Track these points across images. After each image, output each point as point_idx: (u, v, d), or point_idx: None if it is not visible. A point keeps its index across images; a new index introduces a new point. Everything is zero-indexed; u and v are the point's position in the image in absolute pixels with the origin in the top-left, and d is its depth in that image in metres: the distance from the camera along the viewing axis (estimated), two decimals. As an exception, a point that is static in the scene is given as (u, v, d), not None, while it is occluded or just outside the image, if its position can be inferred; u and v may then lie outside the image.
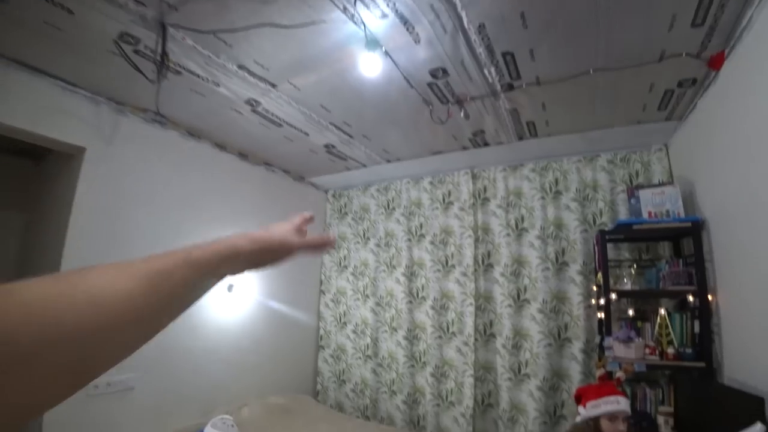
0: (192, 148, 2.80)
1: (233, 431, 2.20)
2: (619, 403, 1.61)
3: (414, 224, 3.43)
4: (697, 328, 2.28)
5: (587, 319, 2.81)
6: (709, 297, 2.20)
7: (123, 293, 0.30)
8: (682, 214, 2.35)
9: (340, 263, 3.70)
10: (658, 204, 2.42)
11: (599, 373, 1.79)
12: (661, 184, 2.58)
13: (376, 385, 3.37)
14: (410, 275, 3.36)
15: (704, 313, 2.21)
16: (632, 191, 2.58)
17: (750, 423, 1.56)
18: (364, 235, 3.64)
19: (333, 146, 3.00)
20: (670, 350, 2.28)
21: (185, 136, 2.76)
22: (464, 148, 3.03)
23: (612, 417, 1.61)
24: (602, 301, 2.40)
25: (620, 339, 2.42)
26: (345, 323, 3.59)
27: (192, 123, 2.70)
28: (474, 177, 3.29)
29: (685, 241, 2.58)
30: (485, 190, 3.25)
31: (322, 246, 0.62)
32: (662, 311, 2.36)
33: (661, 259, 2.67)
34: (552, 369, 2.83)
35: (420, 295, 3.31)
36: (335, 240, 1.24)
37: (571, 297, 2.86)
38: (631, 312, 2.50)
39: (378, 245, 3.55)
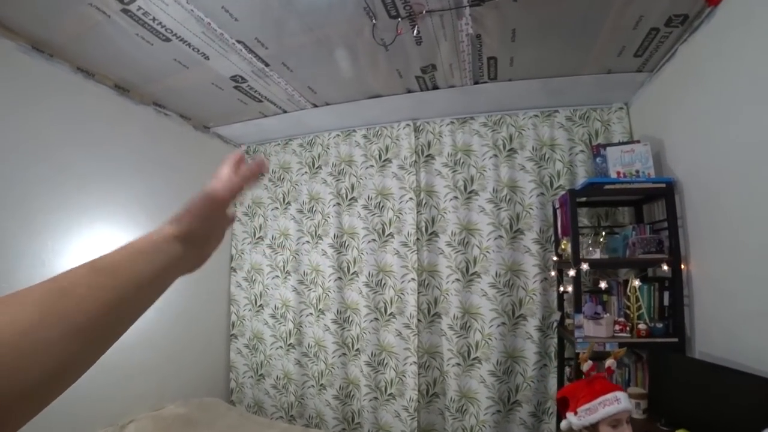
0: (41, 71, 1.80)
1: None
2: (619, 401, 1.19)
3: (344, 185, 2.72)
4: (666, 301, 1.97)
5: (543, 293, 2.39)
6: (682, 266, 1.90)
7: (19, 326, 0.25)
8: (653, 175, 2.02)
9: (255, 234, 2.91)
10: (628, 163, 2.07)
11: (587, 366, 1.31)
12: (629, 142, 2.22)
13: (302, 379, 2.73)
14: (340, 247, 2.69)
15: (676, 283, 1.90)
16: (598, 149, 2.18)
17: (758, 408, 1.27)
18: (283, 199, 2.87)
19: (243, 79, 2.14)
20: (642, 326, 1.93)
21: (28, 52, 1.75)
22: (408, 91, 2.35)
23: (614, 421, 1.17)
24: (572, 273, 1.96)
25: (587, 315, 2.02)
26: (262, 306, 2.86)
27: (34, 30, 1.70)
28: (416, 130, 2.64)
29: (646, 207, 2.26)
30: (429, 145, 2.63)
31: (254, 174, 0.47)
32: (636, 282, 1.99)
33: (621, 227, 2.32)
34: (506, 351, 2.39)
35: (352, 271, 2.66)
36: (265, 164, 0.64)
37: (527, 269, 2.41)
38: (603, 284, 2.10)
39: (300, 211, 2.80)
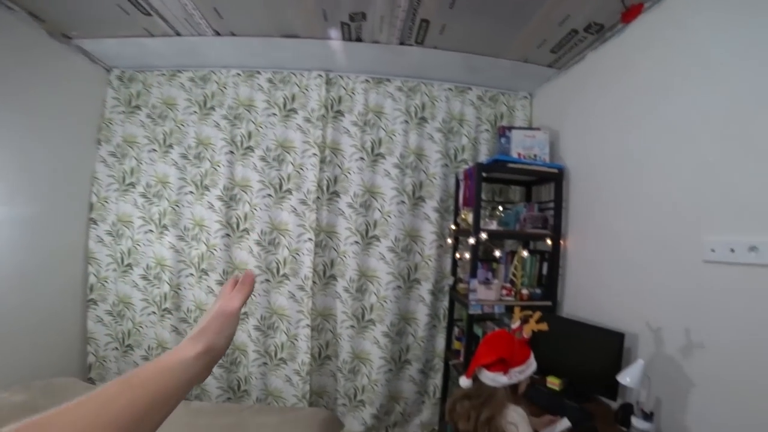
0: None
1: None
2: (534, 362, 1.38)
3: (240, 132, 2.37)
4: (545, 270, 2.21)
5: (438, 259, 2.45)
6: (561, 242, 2.15)
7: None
8: (548, 160, 2.23)
9: (124, 179, 2.39)
10: (528, 147, 2.25)
11: (516, 325, 1.41)
12: (532, 128, 2.39)
13: (177, 346, 2.40)
14: (229, 200, 2.36)
15: (555, 256, 2.14)
16: (504, 130, 2.29)
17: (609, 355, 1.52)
18: (164, 141, 2.39)
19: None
20: (524, 291, 2.13)
21: None
22: (328, 39, 2.10)
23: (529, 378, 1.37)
24: (471, 241, 2.03)
25: (480, 281, 2.12)
26: (130, 266, 2.39)
27: None
28: (329, 83, 2.41)
29: (535, 188, 2.47)
30: (340, 101, 2.44)
31: (253, 285, 0.53)
32: (524, 253, 2.16)
33: (512, 203, 2.48)
34: (399, 313, 2.40)
35: (242, 227, 2.37)
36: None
37: (425, 235, 2.43)
38: (497, 253, 2.23)
39: (185, 157, 2.37)
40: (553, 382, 1.85)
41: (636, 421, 1.39)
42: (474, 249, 2.03)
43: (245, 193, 2.37)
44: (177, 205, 2.36)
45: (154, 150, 2.39)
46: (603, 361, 1.58)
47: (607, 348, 1.62)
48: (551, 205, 2.17)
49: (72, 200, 2.30)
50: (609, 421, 1.53)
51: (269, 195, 2.36)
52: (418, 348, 2.41)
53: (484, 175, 2.14)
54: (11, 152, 1.90)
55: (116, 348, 2.40)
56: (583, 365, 1.72)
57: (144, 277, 2.38)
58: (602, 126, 1.89)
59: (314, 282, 2.34)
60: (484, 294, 2.08)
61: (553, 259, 2.13)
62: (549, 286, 2.15)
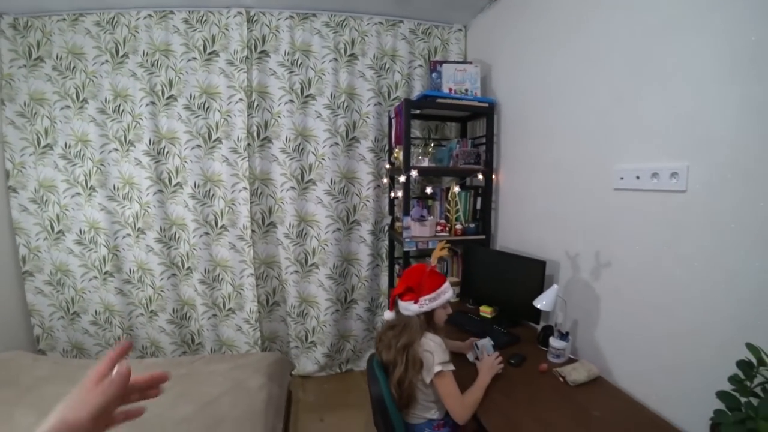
0: None
1: None
2: (450, 289, 1.35)
3: (160, 80, 2.21)
4: (479, 205, 2.23)
5: (376, 199, 2.44)
6: (494, 176, 2.16)
7: None
8: (479, 95, 2.18)
9: (39, 141, 2.23)
10: (459, 81, 2.18)
11: (434, 260, 1.43)
12: (463, 62, 2.31)
13: (127, 309, 2.36)
14: (157, 154, 2.25)
15: (487, 190, 2.15)
16: (435, 65, 2.20)
17: (533, 282, 1.62)
18: (77, 96, 2.21)
19: None
20: (458, 226, 2.16)
21: None
22: None
23: (445, 304, 1.34)
24: (402, 179, 2.01)
25: (414, 218, 2.13)
26: (62, 232, 2.30)
27: None
28: (250, 21, 2.24)
29: (470, 124, 2.44)
30: (264, 40, 2.28)
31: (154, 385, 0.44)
32: (456, 189, 2.16)
33: (448, 140, 2.45)
34: (341, 255, 2.42)
35: (174, 182, 2.28)
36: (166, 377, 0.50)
37: (361, 176, 2.40)
38: (429, 189, 2.23)
39: (103, 111, 2.22)
40: (486, 311, 1.94)
41: (553, 341, 1.49)
42: (405, 187, 2.01)
43: (173, 145, 2.25)
44: (102, 164, 2.24)
45: (68, 106, 2.21)
46: (528, 289, 1.64)
47: (531, 276, 1.68)
48: (484, 140, 2.15)
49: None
50: (532, 342, 1.64)
51: (198, 146, 2.25)
52: (363, 287, 2.47)
53: (413, 112, 2.09)
54: None
55: (62, 317, 2.36)
56: (512, 294, 1.79)
57: (79, 242, 2.30)
58: (531, 58, 1.84)
59: (253, 231, 2.32)
60: (419, 231, 2.10)
61: (486, 193, 2.15)
62: (483, 221, 2.18)
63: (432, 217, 2.22)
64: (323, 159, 2.31)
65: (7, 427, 1.51)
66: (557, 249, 1.66)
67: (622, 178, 1.28)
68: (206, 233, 2.30)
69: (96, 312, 2.36)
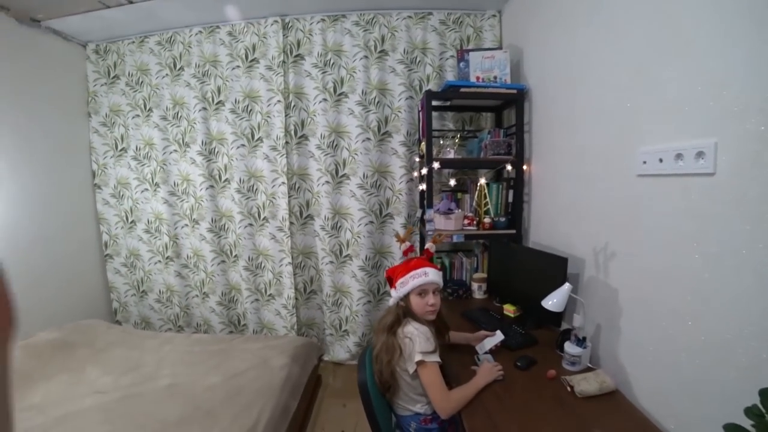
0: None
1: None
2: (427, 275, 1.27)
3: (210, 88, 2.46)
4: (510, 198, 2.13)
5: (409, 193, 2.46)
6: (525, 167, 2.05)
7: None
8: (509, 81, 2.07)
9: (117, 146, 2.60)
10: (487, 69, 2.10)
11: (403, 247, 1.40)
12: (491, 49, 2.21)
13: (185, 290, 2.67)
14: (209, 154, 2.50)
15: (519, 182, 2.05)
16: (462, 54, 2.15)
17: (556, 281, 1.44)
18: (144, 105, 2.54)
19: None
20: (487, 220, 2.09)
21: None
22: None
23: (422, 291, 1.27)
24: (424, 172, 2.02)
25: (441, 211, 2.12)
26: (134, 222, 2.66)
27: None
28: (285, 27, 2.39)
29: (506, 113, 2.33)
30: (299, 44, 2.42)
31: None
32: (482, 181, 2.11)
33: (483, 131, 2.40)
34: (374, 247, 2.49)
35: (223, 178, 2.52)
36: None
37: (394, 170, 2.44)
38: (452, 182, 2.21)
39: (164, 118, 2.52)
40: (509, 310, 1.86)
41: (568, 346, 1.35)
42: (428, 179, 2.01)
43: (222, 145, 2.49)
44: (164, 164, 2.54)
45: (138, 115, 2.55)
46: (551, 288, 1.44)
47: (554, 274, 1.54)
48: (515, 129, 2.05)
49: (75, 169, 2.54)
50: (551, 346, 1.51)
51: (243, 145, 2.46)
52: None
53: (438, 103, 2.08)
54: (10, 136, 2.11)
55: (134, 294, 2.72)
56: (536, 293, 1.62)
57: (146, 231, 2.64)
58: (556, 39, 1.71)
59: (292, 223, 2.47)
60: (444, 224, 2.09)
61: (517, 186, 2.05)
62: (513, 215, 2.09)
63: (460, 210, 2.19)
64: (356, 154, 2.40)
65: (79, 377, 1.81)
66: (582, 244, 1.52)
67: (644, 162, 1.13)
68: (250, 224, 2.51)
69: (159, 291, 2.69)
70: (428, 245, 1.41)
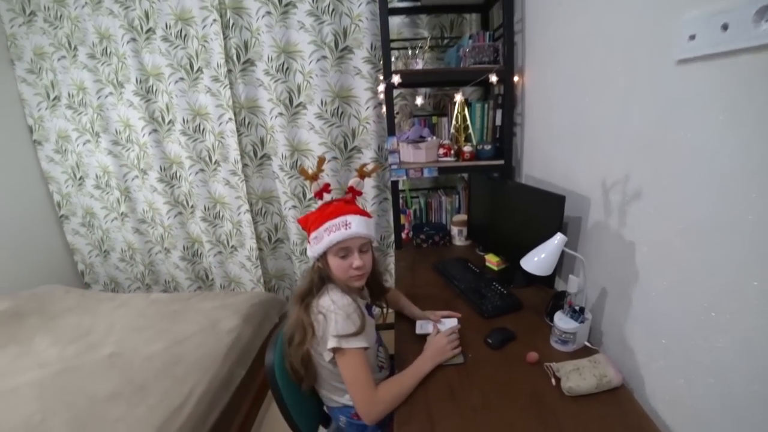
0: None
1: None
2: (348, 226, 0.91)
3: (136, 14, 2.05)
4: (499, 120, 1.72)
5: (378, 121, 2.10)
6: (515, 78, 1.60)
7: None
8: None
9: (48, 95, 2.28)
10: None
11: (314, 188, 1.00)
12: None
13: (146, 247, 2.45)
14: (146, 93, 2.14)
15: (509, 99, 1.62)
16: None
17: (551, 226, 1.08)
18: (69, 44, 2.16)
19: None
20: (467, 148, 1.70)
21: None
22: None
23: (342, 249, 0.92)
24: (380, 89, 1.65)
25: (409, 140, 1.78)
26: (82, 178, 2.39)
27: None
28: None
29: (494, 12, 1.87)
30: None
31: None
32: (458, 97, 1.69)
33: (464, 36, 1.95)
34: (341, 187, 2.18)
35: (167, 119, 2.19)
36: None
37: (358, 94, 2.06)
38: (419, 100, 1.80)
39: (92, 56, 2.15)
40: (492, 261, 1.53)
41: (559, 319, 1.00)
42: (387, 98, 1.64)
43: (159, 81, 2.14)
44: (101, 110, 2.22)
45: (64, 56, 2.19)
46: (544, 236, 1.04)
47: (548, 217, 1.16)
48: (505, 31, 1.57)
49: (8, 125, 2.26)
50: (540, 314, 1.16)
51: (182, 78, 2.10)
52: None
53: (399, 3, 1.66)
54: None
55: (98, 255, 2.53)
56: (525, 241, 1.17)
57: (96, 187, 2.39)
58: None
59: (246, 165, 2.16)
60: (411, 156, 1.74)
61: (507, 104, 1.63)
62: (502, 141, 1.69)
63: (434, 138, 1.83)
64: (311, 77, 2.02)
65: (26, 348, 1.64)
66: (588, 177, 1.10)
67: (692, 38, 0.67)
68: (202, 170, 2.22)
69: (121, 250, 2.50)
70: (352, 181, 1.04)
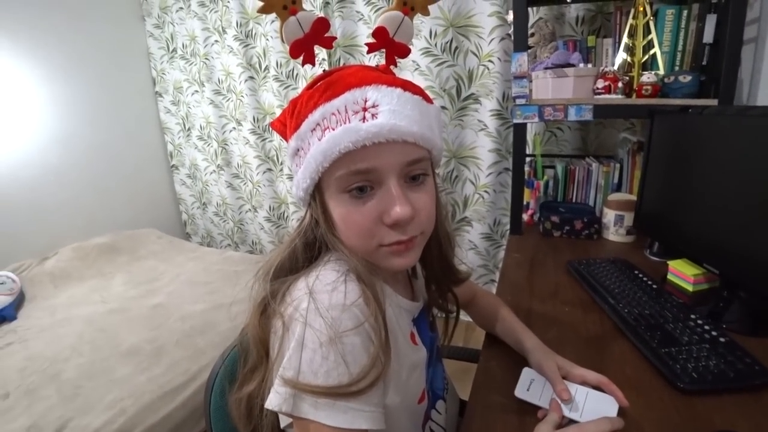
0: None
1: (11, 287, 1.46)
2: (370, 112, 0.37)
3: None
4: (710, 36, 1.03)
5: (506, 58, 1.55)
6: None
7: None
8: None
9: (168, 46, 2.33)
10: None
11: (287, 33, 0.43)
12: None
13: (237, 203, 2.36)
14: (245, 38, 1.99)
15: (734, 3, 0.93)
16: None
17: None
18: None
19: None
20: (648, 78, 1.07)
21: None
22: None
23: (358, 175, 0.39)
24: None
25: (549, 66, 1.22)
26: (190, 129, 2.40)
27: None
28: None
29: None
30: None
31: None
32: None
33: None
34: (450, 149, 1.71)
35: (263, 66, 2.02)
36: None
37: (480, 22, 1.55)
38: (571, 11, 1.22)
39: (202, 4, 2.10)
40: (684, 274, 0.83)
41: None
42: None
43: (259, 25, 1.96)
44: (207, 58, 2.17)
45: (181, 8, 2.20)
46: None
47: None
48: None
49: (133, 76, 2.35)
50: None
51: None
52: (481, 201, 1.69)
53: None
54: (58, 38, 1.96)
55: (199, 207, 2.55)
56: (760, 241, 0.64)
57: (200, 138, 2.37)
58: None
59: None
60: (549, 90, 1.17)
61: (728, 10, 0.95)
62: (714, 69, 1.03)
63: (589, 65, 1.22)
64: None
65: (104, 283, 1.65)
66: None
67: None
68: (269, 169, 2.02)
69: (216, 204, 2.46)
70: (382, 18, 0.48)
